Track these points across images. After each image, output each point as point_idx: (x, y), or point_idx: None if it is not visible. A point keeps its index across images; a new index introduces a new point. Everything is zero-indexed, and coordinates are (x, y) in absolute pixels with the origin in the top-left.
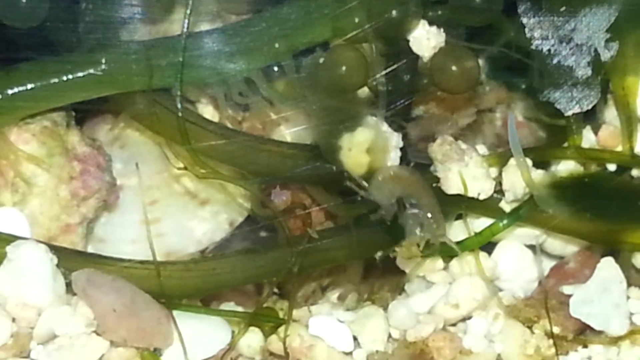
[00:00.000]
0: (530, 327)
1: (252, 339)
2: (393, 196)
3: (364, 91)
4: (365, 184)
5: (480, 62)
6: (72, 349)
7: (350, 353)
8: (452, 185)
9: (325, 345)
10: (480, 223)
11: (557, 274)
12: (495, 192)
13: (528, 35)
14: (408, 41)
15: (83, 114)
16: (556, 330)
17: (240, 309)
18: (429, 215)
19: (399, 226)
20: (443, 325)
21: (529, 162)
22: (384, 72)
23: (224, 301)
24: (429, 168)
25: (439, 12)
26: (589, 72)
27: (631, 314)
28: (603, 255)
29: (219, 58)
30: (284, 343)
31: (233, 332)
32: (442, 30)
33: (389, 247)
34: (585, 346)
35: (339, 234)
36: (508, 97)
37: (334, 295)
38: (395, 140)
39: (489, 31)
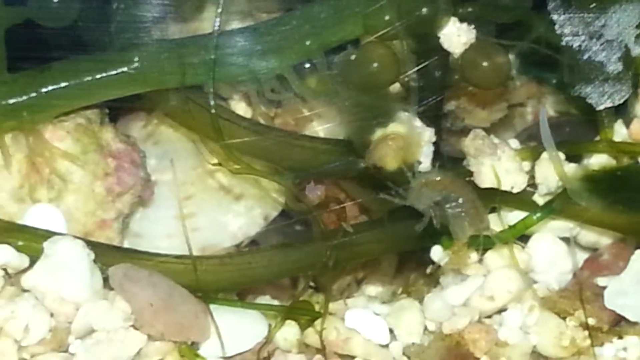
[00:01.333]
0: (565, 319)
1: (289, 333)
2: (432, 201)
3: (396, 87)
4: (403, 193)
5: (511, 57)
6: (110, 343)
7: (387, 345)
8: (485, 179)
9: (361, 338)
10: (514, 216)
11: (591, 266)
12: (528, 185)
13: (558, 31)
14: (439, 38)
15: (117, 111)
16: (591, 321)
17: (276, 302)
18: (472, 210)
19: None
20: (478, 317)
21: (562, 155)
22: (415, 69)
23: (259, 295)
24: (462, 162)
25: (469, 9)
26: (620, 68)
27: None
28: (637, 247)
29: (251, 56)
30: (321, 336)
31: (269, 325)
32: (472, 27)
33: (424, 241)
34: (620, 337)
35: (373, 228)
36: (538, 92)
37: (369, 288)
38: (427, 135)
39: (519, 27)
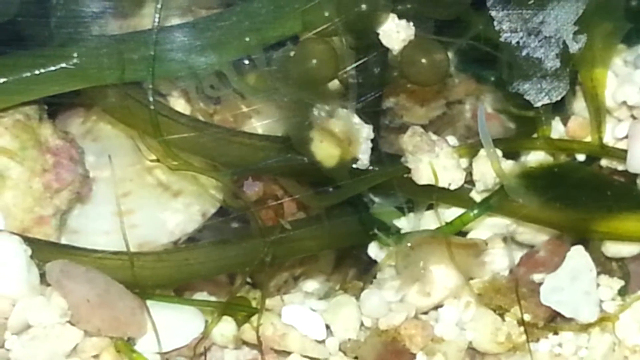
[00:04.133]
0: (501, 315)
1: (225, 328)
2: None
3: (335, 84)
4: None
5: (450, 54)
6: (46, 339)
7: (323, 341)
8: (423, 175)
9: (297, 334)
10: (451, 213)
11: (527, 263)
12: (465, 182)
13: (497, 28)
14: (378, 34)
15: (55, 107)
16: (527, 317)
17: (213, 298)
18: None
19: (371, 216)
20: (415, 313)
21: (499, 152)
22: (354, 65)
23: (197, 291)
24: (400, 159)
25: (408, 6)
26: (558, 64)
27: (601, 301)
28: (573, 244)
29: (190, 52)
30: (257, 332)
31: (206, 321)
32: (411, 23)
33: (361, 238)
34: (555, 333)
35: (311, 224)
36: (477, 89)
37: (306, 284)
38: (366, 132)
39: (458, 24)
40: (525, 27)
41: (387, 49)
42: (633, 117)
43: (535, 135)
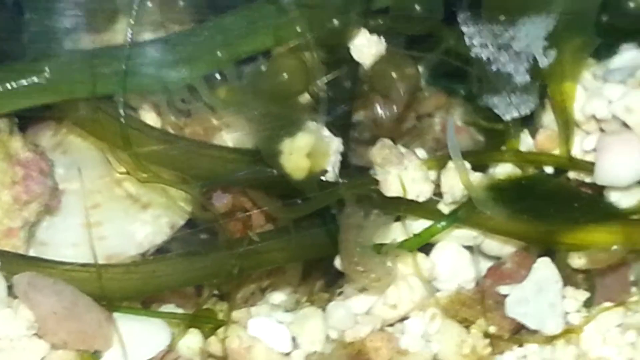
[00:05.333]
0: (467, 327)
1: (192, 341)
2: None
3: (306, 98)
4: None
5: (420, 69)
6: (12, 351)
7: (289, 354)
8: (391, 188)
9: (263, 346)
10: (419, 225)
11: (494, 275)
12: (434, 194)
13: (468, 43)
14: (349, 49)
15: (26, 120)
16: (492, 329)
17: (180, 310)
18: None
19: (338, 228)
20: (381, 325)
21: (467, 165)
22: (324, 79)
23: (164, 303)
24: (369, 171)
25: (380, 21)
26: (527, 79)
27: (566, 313)
28: (539, 256)
29: (162, 66)
30: (223, 344)
31: (173, 333)
32: (382, 38)
33: (328, 250)
34: (520, 345)
35: (279, 237)
36: (447, 103)
37: (273, 296)
38: (335, 144)
39: (429, 39)
40: (496, 43)
41: (358, 64)
42: (601, 130)
43: (503, 148)
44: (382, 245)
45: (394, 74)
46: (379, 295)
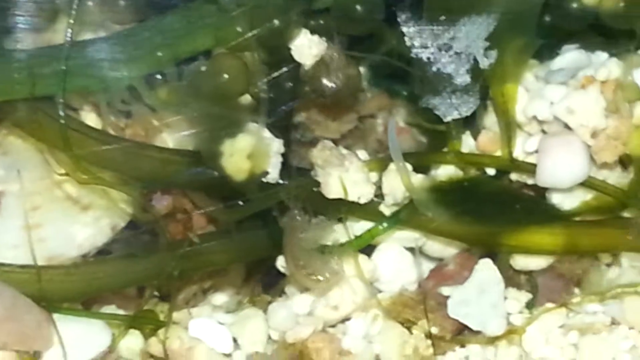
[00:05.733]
0: (409, 328)
1: (132, 342)
2: None
3: (247, 98)
4: None
5: (362, 70)
6: None
7: (230, 355)
8: (332, 189)
9: (204, 347)
10: (361, 226)
11: (436, 276)
12: (375, 196)
13: (408, 43)
14: (290, 49)
15: None
16: (434, 330)
17: (121, 312)
18: None
19: (280, 229)
20: (322, 326)
21: (409, 166)
22: (265, 80)
23: (105, 304)
24: (310, 173)
25: (321, 22)
26: (468, 80)
27: (508, 314)
28: (482, 257)
29: (102, 66)
30: (164, 345)
31: (113, 334)
32: (323, 39)
33: (270, 250)
34: (462, 346)
35: (220, 238)
36: (390, 104)
37: (215, 297)
38: (276, 146)
39: (371, 39)
40: (436, 43)
41: (299, 64)
42: (543, 131)
43: (445, 150)
44: (324, 247)
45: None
46: (324, 296)
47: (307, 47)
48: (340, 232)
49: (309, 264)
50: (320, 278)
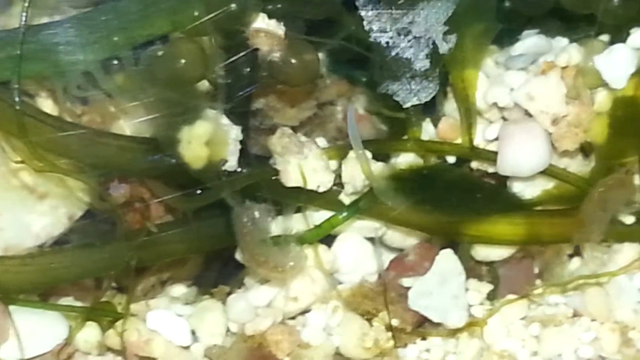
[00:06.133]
0: (369, 320)
1: (89, 334)
2: None
3: (204, 84)
4: None
5: (321, 55)
6: None
7: (188, 347)
8: (291, 177)
9: (162, 340)
10: (320, 216)
11: (397, 267)
12: (334, 184)
13: (366, 28)
14: (247, 34)
15: None
16: (395, 322)
17: (79, 303)
18: None
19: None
20: (282, 318)
21: (369, 154)
22: (223, 65)
23: (63, 296)
24: (269, 161)
25: (278, 6)
26: (427, 65)
27: (470, 305)
28: (443, 248)
29: (58, 51)
30: (121, 337)
31: (70, 326)
32: (281, 23)
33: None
34: (423, 338)
35: (178, 227)
36: (349, 91)
37: (174, 289)
38: (234, 133)
39: (330, 25)
40: (395, 27)
41: (257, 49)
42: (504, 118)
43: (405, 137)
44: (280, 237)
45: (293, 60)
46: (285, 286)
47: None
48: (300, 222)
49: (267, 255)
50: (280, 269)
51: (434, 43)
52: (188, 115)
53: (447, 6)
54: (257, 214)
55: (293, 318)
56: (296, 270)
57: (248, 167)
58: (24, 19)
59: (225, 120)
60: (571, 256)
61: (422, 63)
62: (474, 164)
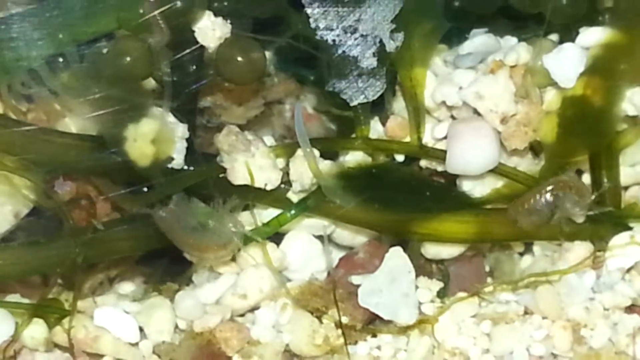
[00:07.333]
0: (319, 317)
1: (36, 331)
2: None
3: (150, 82)
4: None
5: (269, 53)
6: None
7: (137, 344)
8: (238, 175)
9: (110, 337)
10: (268, 214)
11: (346, 265)
12: (282, 182)
13: (313, 26)
14: (193, 32)
15: None
16: (345, 320)
17: (26, 300)
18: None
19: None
20: (231, 315)
21: (317, 152)
22: (168, 62)
23: (9, 293)
24: (216, 159)
25: (224, 3)
26: (374, 63)
27: (420, 303)
28: (392, 246)
29: (1, 48)
30: (69, 334)
31: (17, 323)
32: (228, 21)
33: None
34: (374, 336)
35: (125, 225)
36: (297, 89)
37: (122, 286)
38: (181, 130)
39: (278, 23)
40: (342, 25)
41: (203, 47)
42: (452, 117)
43: (354, 136)
44: (207, 218)
45: (239, 58)
46: (230, 268)
47: (210, 29)
48: (248, 220)
49: (204, 238)
50: (224, 244)
51: (381, 41)
52: (134, 112)
53: (394, 4)
54: (173, 206)
55: (242, 315)
56: (238, 238)
57: (195, 165)
58: None
59: (171, 118)
60: (522, 254)
61: (369, 61)
62: (423, 163)
